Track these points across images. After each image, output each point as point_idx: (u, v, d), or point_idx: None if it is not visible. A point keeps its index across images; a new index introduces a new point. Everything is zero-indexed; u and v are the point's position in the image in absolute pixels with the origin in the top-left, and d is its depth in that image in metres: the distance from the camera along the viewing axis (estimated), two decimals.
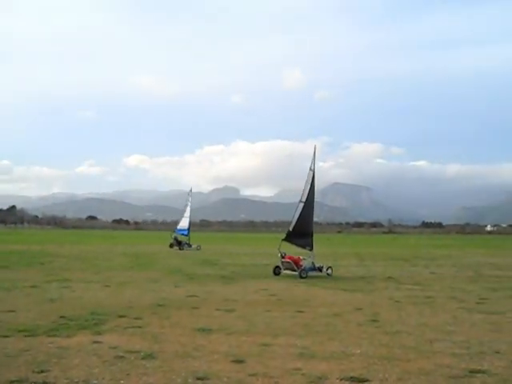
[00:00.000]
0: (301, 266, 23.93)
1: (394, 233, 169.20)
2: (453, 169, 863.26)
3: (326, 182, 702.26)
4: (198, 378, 7.82)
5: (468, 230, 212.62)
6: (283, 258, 24.57)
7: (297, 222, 24.71)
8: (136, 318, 12.52)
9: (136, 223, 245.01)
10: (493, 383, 7.90)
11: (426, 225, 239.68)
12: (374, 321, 12.76)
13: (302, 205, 24.80)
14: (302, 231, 24.70)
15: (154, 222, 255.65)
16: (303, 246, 24.87)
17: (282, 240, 24.76)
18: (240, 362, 8.81)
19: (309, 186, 24.96)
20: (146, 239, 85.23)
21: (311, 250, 24.70)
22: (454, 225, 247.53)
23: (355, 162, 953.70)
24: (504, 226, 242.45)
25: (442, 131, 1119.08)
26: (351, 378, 8.01)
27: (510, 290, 19.32)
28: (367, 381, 7.91)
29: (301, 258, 24.56)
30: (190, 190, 53.53)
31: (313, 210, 25.19)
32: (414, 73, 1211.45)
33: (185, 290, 18.29)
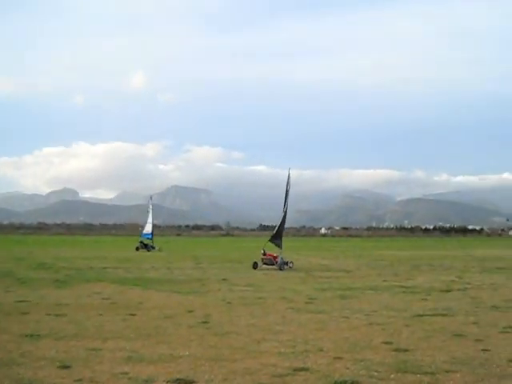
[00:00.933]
0: (277, 261, 30.64)
1: (233, 235, 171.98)
2: (291, 173, 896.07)
3: (165, 185, 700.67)
4: None
5: (303, 232, 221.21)
6: (264, 255, 31.33)
7: (278, 228, 32.76)
8: None
9: None
10: (314, 380, 8.14)
11: (264, 227, 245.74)
12: (205, 322, 12.81)
13: (283, 214, 32.79)
14: (278, 234, 32.21)
15: None
16: (278, 246, 31.83)
17: (268, 241, 32.40)
18: (67, 367, 8.56)
19: (285, 200, 33.03)
20: None
21: (281, 248, 31.60)
22: (291, 227, 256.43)
23: (196, 165, 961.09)
24: (337, 228, 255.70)
25: (280, 137, 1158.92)
26: (177, 379, 8.00)
27: (338, 289, 20.13)
28: (193, 382, 7.94)
29: (274, 255, 31.30)
30: (151, 198, 61.00)
31: (285, 219, 33.23)
32: (258, 79, 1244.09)
33: (15, 295, 17.44)
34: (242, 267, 31.89)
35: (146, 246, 53.10)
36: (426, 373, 8.47)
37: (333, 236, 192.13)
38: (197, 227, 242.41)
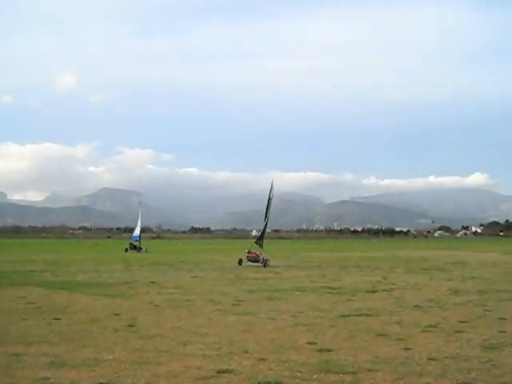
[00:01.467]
0: (261, 258, 35.59)
1: (163, 238, 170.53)
2: (221, 176, 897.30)
3: (96, 187, 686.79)
4: None
5: (235, 234, 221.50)
6: (249, 253, 36.11)
7: (262, 232, 39.06)
8: None
9: None
10: (238, 382, 8.18)
11: (195, 230, 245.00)
12: (131, 326, 12.65)
13: (266, 221, 38.82)
14: (262, 236, 38.36)
15: None
16: (261, 245, 37.08)
17: (255, 242, 37.92)
18: None
19: (267, 209, 38.67)
20: None
21: (262, 248, 36.83)
22: (222, 230, 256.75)
23: (127, 167, 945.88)
24: (268, 230, 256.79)
25: (212, 140, 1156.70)
26: None
27: (266, 291, 20.22)
28: None
29: (257, 253, 36.12)
30: (139, 203, 68.96)
31: (267, 225, 39.74)
32: (190, 81, 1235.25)
33: None
34: (171, 269, 31.60)
35: (135, 248, 58.39)
36: (348, 372, 8.62)
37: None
38: (128, 229, 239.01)
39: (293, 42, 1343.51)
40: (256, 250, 36.68)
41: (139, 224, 62.10)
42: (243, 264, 35.39)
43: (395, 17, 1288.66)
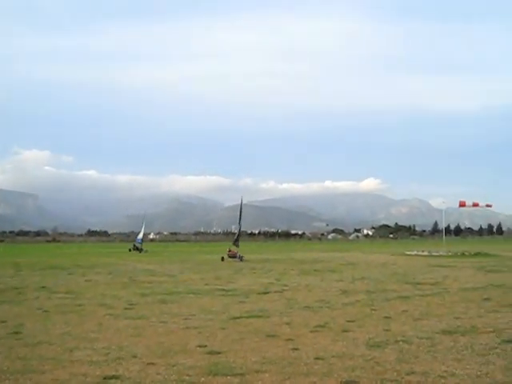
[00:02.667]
0: (237, 255, 45.49)
1: (59, 241, 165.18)
2: (122, 179, 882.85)
3: None
4: None
5: (132, 237, 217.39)
6: (229, 251, 46.25)
7: (237, 235, 49.12)
8: None
9: None
10: None
11: (92, 233, 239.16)
12: (16, 333, 12.19)
13: (239, 227, 50.01)
14: (237, 239, 48.22)
15: None
16: (237, 246, 46.84)
17: (232, 243, 47.50)
18: None
19: (239, 218, 49.11)
20: None
21: (238, 246, 46.75)
22: (120, 233, 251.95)
23: (23, 168, 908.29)
24: (166, 233, 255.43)
25: (112, 142, 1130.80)
26: None
27: (160, 294, 20.04)
28: None
29: (235, 251, 45.98)
30: (144, 218, 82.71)
31: (240, 230, 51.01)
32: (92, 82, 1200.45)
33: None
34: (63, 273, 30.68)
35: (137, 249, 69.51)
36: (236, 374, 8.69)
37: (161, 241, 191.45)
38: (22, 233, 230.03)
39: (196, 46, 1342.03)
40: (234, 249, 46.60)
41: (143, 229, 74.53)
42: (225, 260, 44.75)
43: (299, 25, 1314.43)
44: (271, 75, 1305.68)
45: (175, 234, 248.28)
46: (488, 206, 60.89)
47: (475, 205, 57.76)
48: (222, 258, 45.13)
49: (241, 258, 45.09)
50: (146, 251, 67.00)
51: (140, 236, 75.46)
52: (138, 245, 71.92)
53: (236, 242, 47.77)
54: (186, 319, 14.18)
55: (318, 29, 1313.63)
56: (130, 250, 68.97)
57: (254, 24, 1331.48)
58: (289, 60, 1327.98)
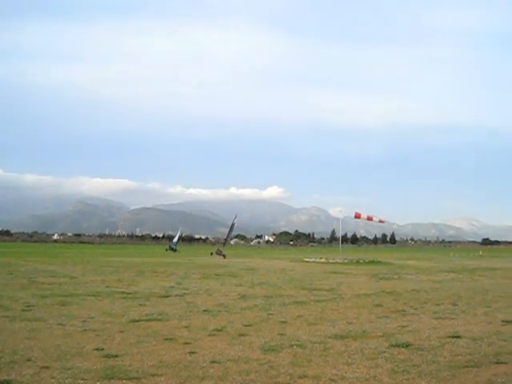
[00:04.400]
0: (223, 254, 62.94)
1: None
2: (29, 178, 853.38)
3: None
4: None
5: (35, 237, 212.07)
6: (218, 250, 64.92)
7: (227, 237, 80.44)
8: None
9: None
10: None
11: None
12: None
13: (230, 234, 78.70)
14: (226, 241, 79.75)
15: None
16: (224, 245, 71.22)
17: (222, 244, 74.19)
18: None
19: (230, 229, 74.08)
20: None
21: (224, 246, 71.09)
22: (22, 232, 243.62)
23: None
24: (70, 234, 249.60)
25: (19, 141, 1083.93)
26: None
27: (60, 296, 19.66)
28: None
29: (221, 250, 64.71)
30: (180, 232, 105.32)
31: (230, 232, 77.52)
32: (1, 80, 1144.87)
33: None
34: None
35: (172, 249, 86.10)
36: (132, 378, 8.72)
37: (65, 242, 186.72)
38: None
39: (107, 49, 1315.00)
40: (222, 249, 66.33)
41: (179, 233, 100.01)
42: (213, 255, 65.04)
43: (208, 35, 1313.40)
44: (179, 82, 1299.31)
45: (79, 235, 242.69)
46: (381, 221, 63.37)
47: (369, 218, 59.85)
48: (211, 253, 66.90)
49: (224, 256, 61.93)
50: (179, 251, 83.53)
51: (175, 239, 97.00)
52: (173, 246, 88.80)
53: (224, 245, 72.96)
54: (84, 322, 14.04)
55: (225, 40, 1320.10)
56: (166, 250, 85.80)
57: (166, 31, 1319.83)
58: (196, 68, 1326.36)
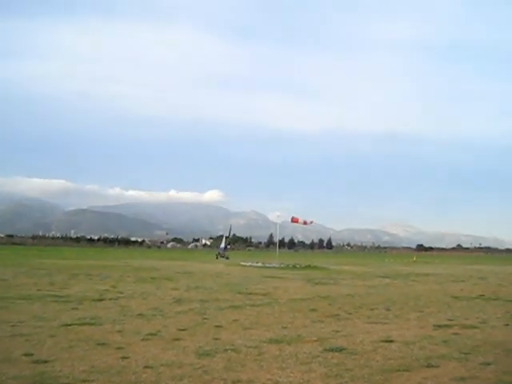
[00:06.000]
0: (225, 256, 75.58)
1: None
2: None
3: None
4: None
5: None
6: (219, 253, 79.51)
7: (225, 246, 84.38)
8: None
9: None
10: None
11: None
12: None
13: (226, 242, 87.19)
14: (225, 247, 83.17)
15: None
16: (224, 248, 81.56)
17: (224, 250, 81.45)
18: None
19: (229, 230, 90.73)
20: None
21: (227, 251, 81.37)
22: None
23: None
24: (1, 235, 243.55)
25: None
26: None
27: None
28: None
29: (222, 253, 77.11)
30: (230, 229, 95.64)
31: (227, 239, 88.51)
32: None
33: None
34: None
35: (222, 256, 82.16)
36: None
37: None
38: None
39: (46, 46, 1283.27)
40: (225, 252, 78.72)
41: (224, 240, 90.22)
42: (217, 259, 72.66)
43: (149, 35, 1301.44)
44: (118, 81, 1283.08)
45: (11, 236, 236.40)
46: (305, 223, 63.09)
47: (305, 223, 60.40)
48: (217, 256, 76.80)
49: (227, 258, 72.69)
50: (228, 257, 78.15)
51: (222, 245, 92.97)
52: (222, 252, 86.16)
53: (226, 248, 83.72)
54: (13, 326, 13.63)
55: (167, 40, 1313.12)
56: (216, 257, 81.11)
57: (105, 30, 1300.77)
58: (137, 68, 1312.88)
